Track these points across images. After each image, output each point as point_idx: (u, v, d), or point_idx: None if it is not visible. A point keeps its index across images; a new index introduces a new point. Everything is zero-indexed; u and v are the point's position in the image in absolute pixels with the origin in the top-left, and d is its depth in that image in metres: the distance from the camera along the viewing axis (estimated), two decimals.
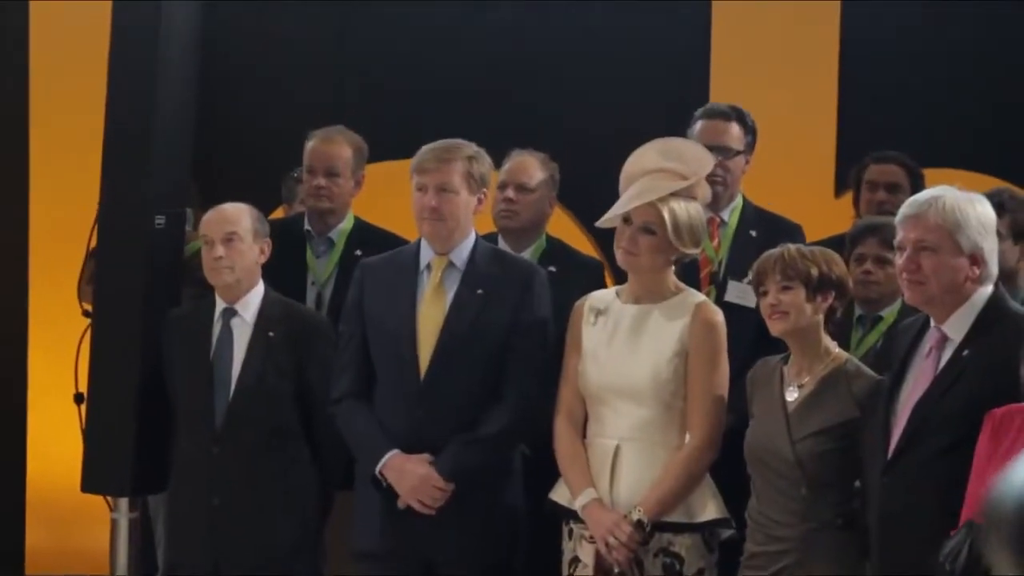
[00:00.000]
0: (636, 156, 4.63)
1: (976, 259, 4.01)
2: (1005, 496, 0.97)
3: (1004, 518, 0.97)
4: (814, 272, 4.36)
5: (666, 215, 4.52)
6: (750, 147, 5.69)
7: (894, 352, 4.19)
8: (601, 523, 4.49)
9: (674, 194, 4.55)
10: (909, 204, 4.12)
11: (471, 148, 4.89)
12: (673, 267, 4.62)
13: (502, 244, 5.49)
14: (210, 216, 5.25)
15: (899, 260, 4.08)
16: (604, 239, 5.33)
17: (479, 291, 4.85)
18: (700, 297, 4.66)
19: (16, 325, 7.19)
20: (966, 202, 4.04)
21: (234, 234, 5.16)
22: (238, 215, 5.21)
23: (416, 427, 4.77)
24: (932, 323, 4.08)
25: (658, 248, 4.55)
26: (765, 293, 4.41)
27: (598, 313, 4.67)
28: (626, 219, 4.57)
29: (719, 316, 4.61)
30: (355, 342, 4.90)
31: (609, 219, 4.64)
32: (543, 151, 5.73)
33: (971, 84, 7.03)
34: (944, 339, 4.04)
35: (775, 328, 4.41)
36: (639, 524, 4.46)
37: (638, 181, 4.58)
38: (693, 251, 4.61)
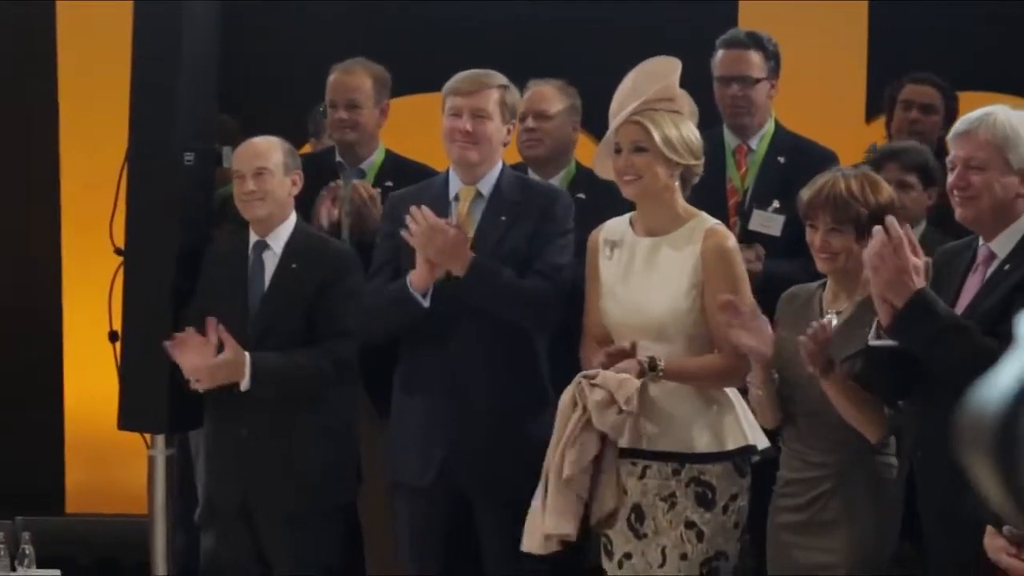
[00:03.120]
0: (615, 96, 4.57)
1: None
2: (983, 406, 0.96)
3: (982, 427, 0.96)
4: (864, 212, 4.30)
5: (651, 128, 4.46)
6: (773, 72, 5.65)
7: (948, 273, 4.14)
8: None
9: (658, 110, 4.49)
10: (960, 122, 4.10)
11: (503, 78, 4.94)
12: (680, 188, 4.56)
13: (531, 174, 5.49)
14: (241, 151, 5.27)
15: (950, 178, 4.06)
16: None
17: (503, 217, 4.88)
18: (710, 222, 4.58)
19: (50, 266, 7.22)
20: (1017, 120, 4.01)
21: (264, 168, 5.16)
22: (268, 149, 5.21)
23: (452, 353, 4.83)
24: (980, 241, 4.07)
25: (655, 163, 4.48)
26: (814, 228, 4.38)
27: (613, 245, 4.63)
28: (618, 151, 4.53)
29: (730, 241, 4.57)
30: (389, 267, 4.93)
31: (602, 160, 4.60)
32: (572, 79, 5.70)
33: (1002, 6, 6.96)
34: (991, 256, 4.03)
35: (823, 267, 4.39)
36: (651, 359, 4.44)
37: (620, 114, 4.54)
38: (693, 162, 4.53)
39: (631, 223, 4.64)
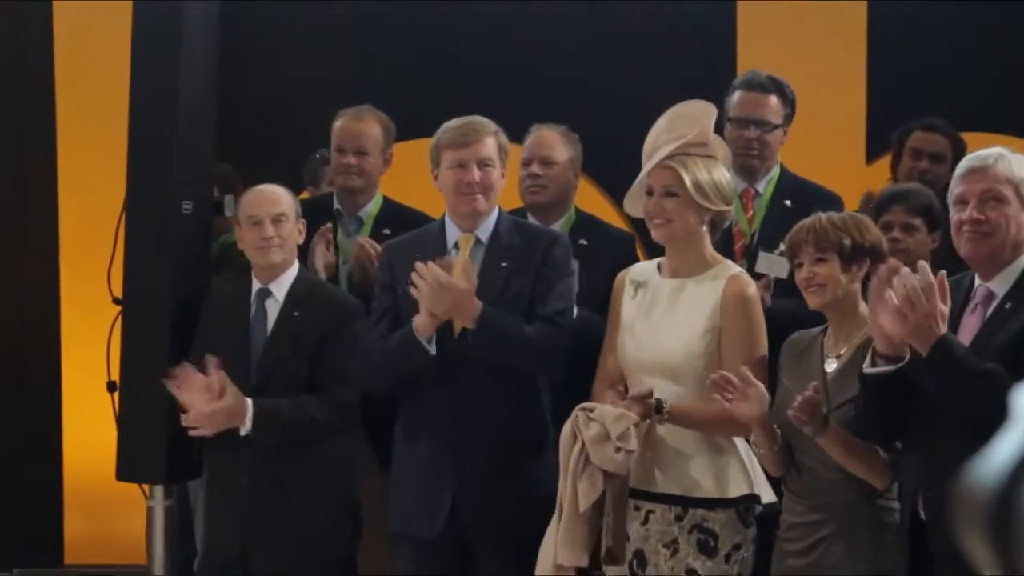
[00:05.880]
0: (649, 136, 4.58)
1: None
2: (979, 480, 0.93)
3: (978, 503, 0.93)
4: (847, 241, 4.31)
5: (683, 173, 4.46)
6: (788, 119, 5.65)
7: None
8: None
9: (691, 155, 4.49)
10: (972, 159, 4.07)
11: (493, 124, 4.93)
12: (709, 234, 4.57)
13: (531, 220, 5.47)
14: (254, 197, 5.28)
15: (959, 214, 4.01)
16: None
17: (503, 264, 4.86)
18: (734, 269, 4.61)
19: (49, 315, 7.21)
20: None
21: (282, 215, 5.20)
22: (283, 196, 5.27)
23: (453, 400, 4.79)
24: (977, 280, 4.04)
25: (686, 208, 4.49)
26: (800, 265, 4.37)
27: (638, 286, 4.64)
28: (649, 193, 4.54)
29: (751, 288, 4.56)
30: (389, 316, 4.90)
31: (634, 199, 4.62)
32: (571, 124, 5.70)
33: (1001, 47, 6.97)
34: (990, 296, 4.01)
35: (812, 302, 4.36)
36: (658, 401, 4.41)
37: (653, 157, 4.54)
38: (724, 208, 4.54)
39: (659, 266, 4.66)
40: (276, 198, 5.24)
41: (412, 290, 4.67)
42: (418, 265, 4.67)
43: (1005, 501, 0.93)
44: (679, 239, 4.54)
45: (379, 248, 5.42)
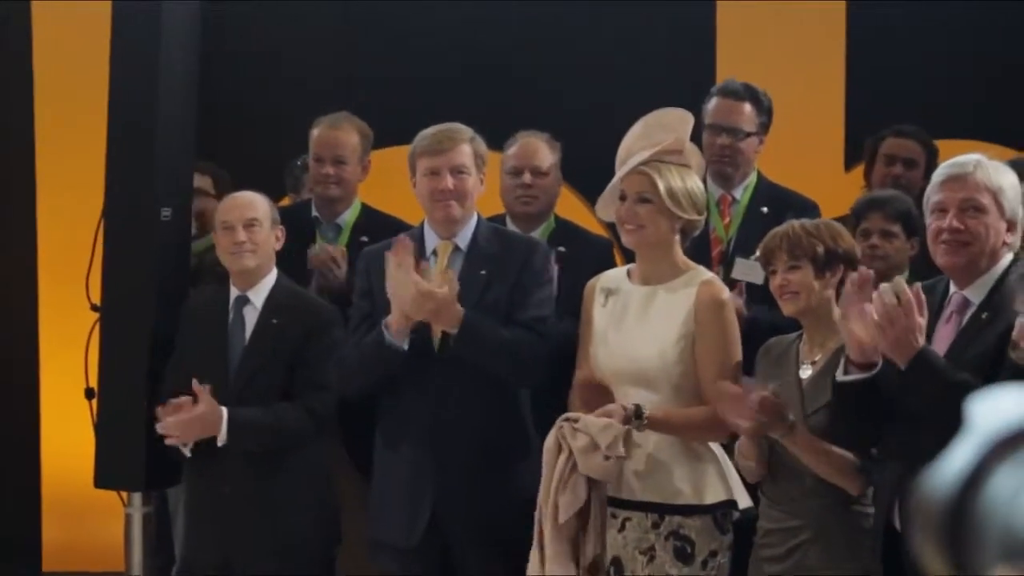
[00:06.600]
0: (623, 142, 4.59)
1: (1012, 226, 3.99)
2: (934, 489, 0.95)
3: (932, 512, 0.94)
4: (820, 249, 4.33)
5: (658, 180, 4.46)
6: (764, 127, 5.66)
7: None
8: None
9: (666, 163, 4.50)
10: (952, 165, 4.05)
11: (469, 130, 4.92)
12: (680, 241, 4.57)
13: (511, 226, 5.48)
14: (227, 203, 5.28)
15: (938, 222, 4.00)
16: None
17: (482, 271, 4.85)
18: (706, 275, 4.60)
19: (27, 322, 7.19)
20: (1002, 169, 4.03)
21: (255, 220, 5.18)
22: (257, 201, 5.25)
23: (433, 405, 4.78)
24: (952, 288, 4.05)
25: (658, 215, 4.48)
26: (774, 273, 4.39)
27: (608, 294, 4.64)
28: (622, 198, 4.54)
29: (724, 293, 4.56)
30: (368, 322, 4.88)
31: (606, 204, 4.62)
32: (549, 131, 5.70)
33: (978, 54, 6.98)
34: (966, 304, 4.01)
35: (787, 309, 4.38)
36: (637, 407, 4.40)
37: (628, 162, 4.55)
38: (696, 217, 4.54)
39: (628, 273, 4.65)
40: (249, 203, 5.23)
41: (388, 285, 4.67)
42: (387, 255, 4.67)
43: (958, 510, 0.93)
44: (651, 245, 4.54)
45: (337, 251, 5.44)
